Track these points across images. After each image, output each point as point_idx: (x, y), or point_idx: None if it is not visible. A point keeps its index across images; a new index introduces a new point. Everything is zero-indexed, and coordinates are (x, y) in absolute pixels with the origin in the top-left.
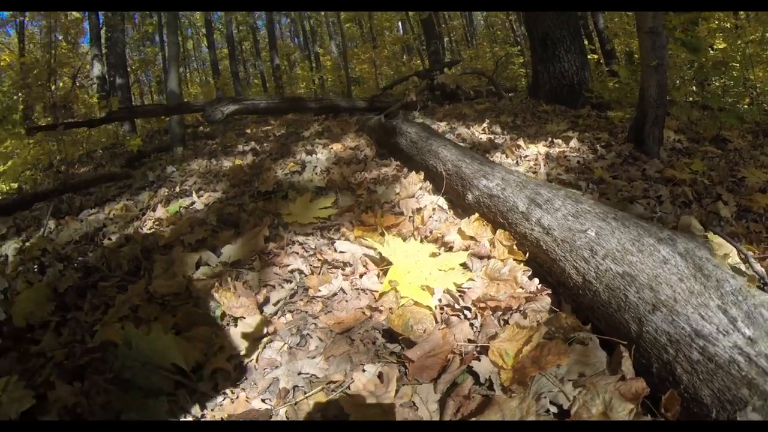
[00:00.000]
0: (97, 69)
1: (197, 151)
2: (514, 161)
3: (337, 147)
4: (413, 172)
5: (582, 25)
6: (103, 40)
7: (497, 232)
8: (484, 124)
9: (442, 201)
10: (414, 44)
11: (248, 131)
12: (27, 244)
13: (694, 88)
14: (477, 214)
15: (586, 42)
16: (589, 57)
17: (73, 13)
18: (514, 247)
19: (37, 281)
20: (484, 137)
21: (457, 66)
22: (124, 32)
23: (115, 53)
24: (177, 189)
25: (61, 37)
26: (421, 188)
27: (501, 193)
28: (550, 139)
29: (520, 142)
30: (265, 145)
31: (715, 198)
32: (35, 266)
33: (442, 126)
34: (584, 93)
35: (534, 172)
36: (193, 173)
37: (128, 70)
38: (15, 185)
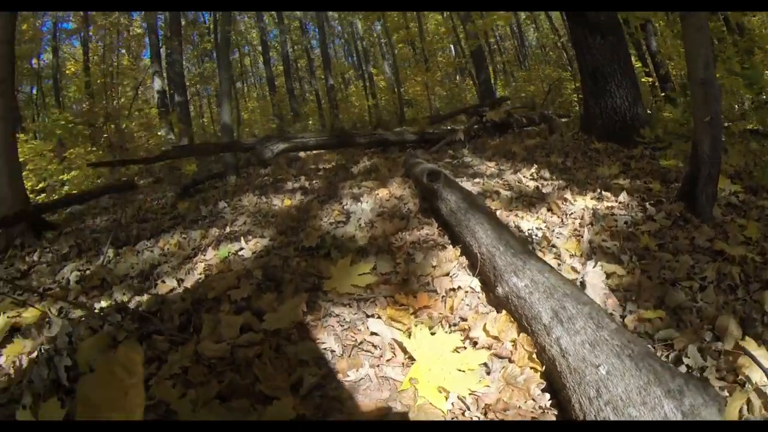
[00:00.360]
0: (157, 84)
1: (249, 181)
2: (560, 219)
3: (382, 193)
4: (450, 247)
5: (636, 46)
6: (163, 55)
7: (521, 334)
8: (533, 169)
9: (475, 283)
10: (466, 66)
11: (301, 155)
12: (88, 272)
13: (754, 118)
14: (505, 311)
15: (639, 65)
16: (643, 80)
17: (135, 29)
18: (534, 355)
19: (98, 326)
20: (531, 185)
21: (507, 101)
22: (182, 54)
23: (174, 72)
24: (227, 229)
25: (124, 51)
26: (457, 264)
27: (528, 297)
28: (599, 190)
29: (568, 195)
30: (314, 182)
31: (764, 285)
32: (95, 309)
33: (490, 167)
34: (636, 137)
35: (578, 237)
36: (243, 211)
37: (186, 86)
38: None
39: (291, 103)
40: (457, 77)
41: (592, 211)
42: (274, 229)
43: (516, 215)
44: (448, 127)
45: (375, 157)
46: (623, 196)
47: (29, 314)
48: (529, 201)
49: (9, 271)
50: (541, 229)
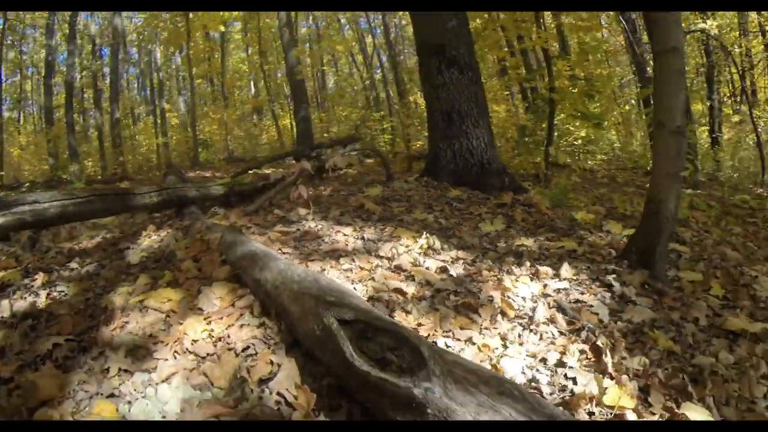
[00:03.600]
0: None
1: None
2: (525, 327)
3: (193, 332)
4: None
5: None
6: None
7: None
8: (422, 240)
9: None
10: (268, 106)
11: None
12: None
13: None
14: None
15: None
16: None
17: None
18: None
19: None
20: (433, 266)
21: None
22: None
23: None
24: None
25: None
26: None
27: None
28: (527, 263)
29: (505, 278)
30: (61, 290)
31: None
32: None
33: (349, 236)
34: (494, 181)
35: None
36: None
37: None
38: None
39: (69, 140)
40: (254, 117)
41: (555, 305)
42: None
43: (465, 341)
44: (263, 173)
45: (167, 228)
46: (565, 270)
47: None
48: (459, 303)
49: None
50: (544, 372)
